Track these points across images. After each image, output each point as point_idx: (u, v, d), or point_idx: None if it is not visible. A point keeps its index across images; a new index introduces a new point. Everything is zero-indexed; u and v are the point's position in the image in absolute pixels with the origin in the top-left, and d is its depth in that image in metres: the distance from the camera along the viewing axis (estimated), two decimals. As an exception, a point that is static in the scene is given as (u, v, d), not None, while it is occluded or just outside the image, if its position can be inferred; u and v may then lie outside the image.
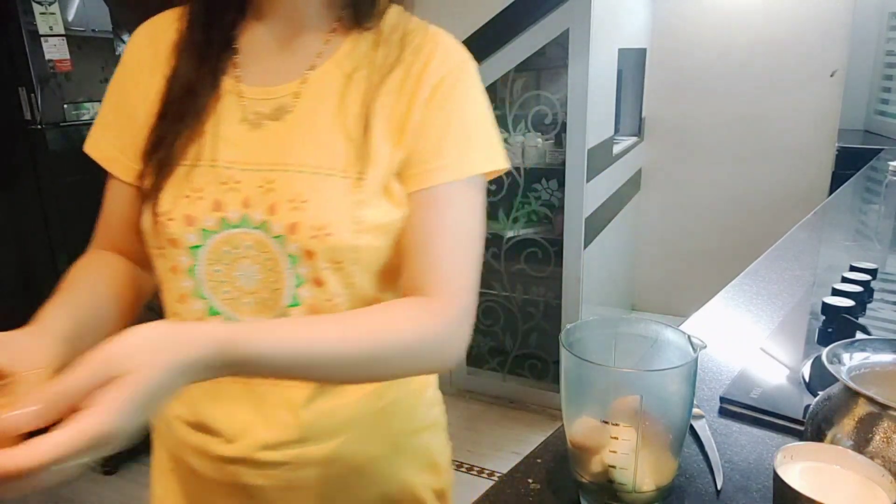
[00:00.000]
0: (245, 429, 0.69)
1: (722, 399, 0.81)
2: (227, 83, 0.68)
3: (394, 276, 0.70)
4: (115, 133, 0.71)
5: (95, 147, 0.72)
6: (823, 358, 0.62)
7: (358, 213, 0.64)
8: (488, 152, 0.69)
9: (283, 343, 0.54)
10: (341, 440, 0.71)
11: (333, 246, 0.63)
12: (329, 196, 0.64)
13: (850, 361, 0.62)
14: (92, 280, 0.67)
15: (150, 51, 0.71)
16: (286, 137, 0.66)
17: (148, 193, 0.66)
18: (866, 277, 1.11)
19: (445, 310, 0.64)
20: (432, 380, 0.83)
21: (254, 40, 0.70)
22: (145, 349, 0.46)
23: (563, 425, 0.63)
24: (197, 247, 0.65)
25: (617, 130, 2.90)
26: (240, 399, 0.69)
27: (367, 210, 0.64)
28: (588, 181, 2.43)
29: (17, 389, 0.48)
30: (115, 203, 0.73)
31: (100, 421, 0.42)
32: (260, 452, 0.69)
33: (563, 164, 2.42)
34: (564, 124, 2.42)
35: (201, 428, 0.71)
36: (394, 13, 0.71)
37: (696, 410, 0.77)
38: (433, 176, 0.66)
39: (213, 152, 0.66)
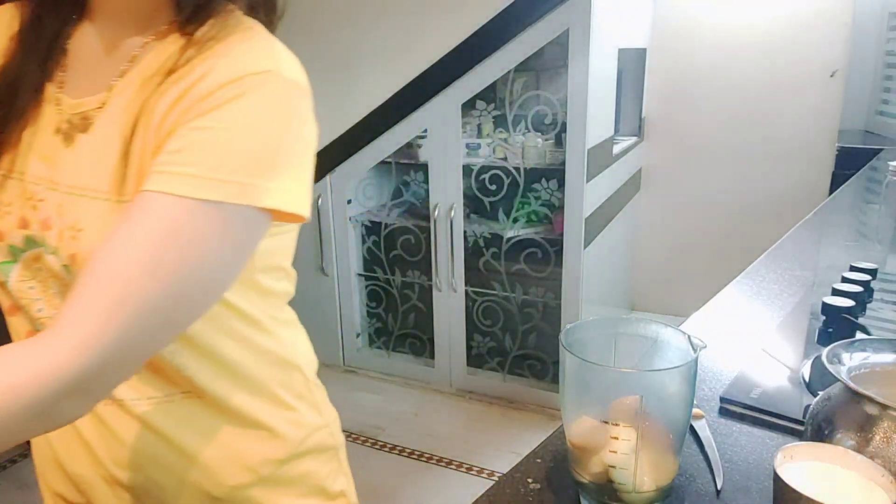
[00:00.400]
0: (93, 448, 0.66)
1: (722, 399, 0.80)
2: (49, 89, 0.62)
3: None
4: None
5: None
6: (823, 358, 0.62)
7: None
8: (257, 184, 0.53)
9: None
10: (181, 468, 0.67)
11: None
12: (100, 225, 0.57)
13: (850, 361, 0.62)
14: None
15: None
16: (83, 155, 0.59)
17: None
18: (866, 277, 1.11)
19: (52, 360, 0.46)
20: (318, 399, 0.77)
21: (82, 43, 0.63)
22: None
23: (563, 425, 0.63)
24: (8, 262, 0.61)
25: (617, 130, 2.90)
26: (84, 423, 0.66)
27: None
28: (588, 181, 2.43)
29: None
30: None
31: None
32: (106, 470, 0.66)
33: (563, 164, 2.42)
34: (564, 124, 2.42)
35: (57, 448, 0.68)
36: (224, 17, 0.59)
37: (696, 410, 0.77)
38: (150, 178, 0.52)
39: (24, 165, 0.61)
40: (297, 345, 0.75)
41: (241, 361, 0.67)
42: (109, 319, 0.48)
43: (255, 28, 0.59)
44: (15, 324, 0.65)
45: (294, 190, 0.56)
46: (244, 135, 0.54)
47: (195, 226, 0.51)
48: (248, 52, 0.56)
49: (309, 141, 0.58)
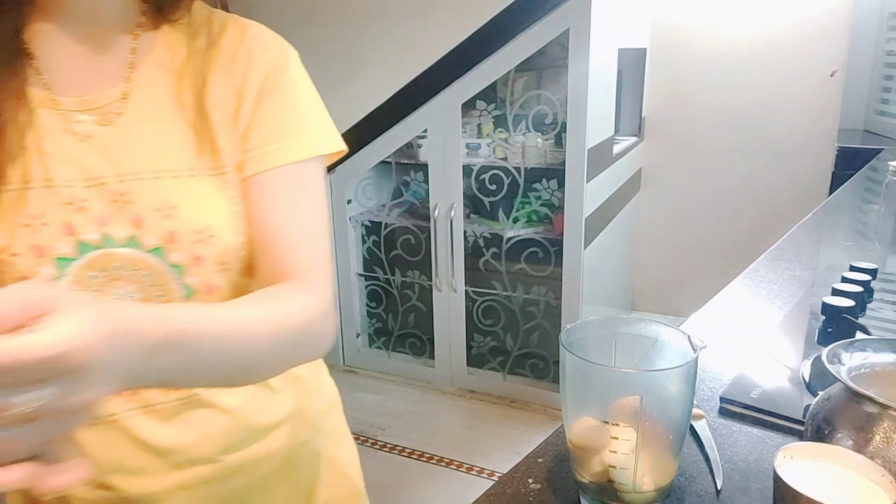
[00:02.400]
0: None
1: (722, 399, 0.81)
2: (36, 94, 0.60)
3: (254, 270, 0.68)
4: None
5: None
6: (823, 358, 0.62)
7: (233, 208, 0.64)
8: (323, 135, 0.68)
9: (212, 326, 0.50)
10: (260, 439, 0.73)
11: (221, 248, 0.62)
12: (199, 196, 0.62)
13: (850, 361, 0.62)
14: None
15: None
16: (124, 144, 0.61)
17: None
18: (866, 277, 1.11)
19: (317, 295, 0.62)
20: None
21: (53, 44, 0.61)
22: (81, 299, 0.37)
23: (563, 425, 0.63)
24: (56, 279, 0.59)
25: (617, 130, 2.90)
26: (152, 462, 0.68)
27: (238, 205, 0.64)
28: (588, 181, 2.43)
29: None
30: None
31: (52, 335, 0.33)
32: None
33: (563, 164, 2.42)
34: (564, 124, 2.42)
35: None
36: (199, 6, 0.68)
37: (696, 410, 0.77)
38: (271, 157, 0.64)
39: (45, 171, 0.59)
40: None
41: None
42: (324, 259, 0.66)
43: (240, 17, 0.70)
44: None
45: (335, 132, 0.71)
46: (304, 99, 0.68)
47: (318, 177, 0.67)
48: (268, 36, 0.68)
49: None
